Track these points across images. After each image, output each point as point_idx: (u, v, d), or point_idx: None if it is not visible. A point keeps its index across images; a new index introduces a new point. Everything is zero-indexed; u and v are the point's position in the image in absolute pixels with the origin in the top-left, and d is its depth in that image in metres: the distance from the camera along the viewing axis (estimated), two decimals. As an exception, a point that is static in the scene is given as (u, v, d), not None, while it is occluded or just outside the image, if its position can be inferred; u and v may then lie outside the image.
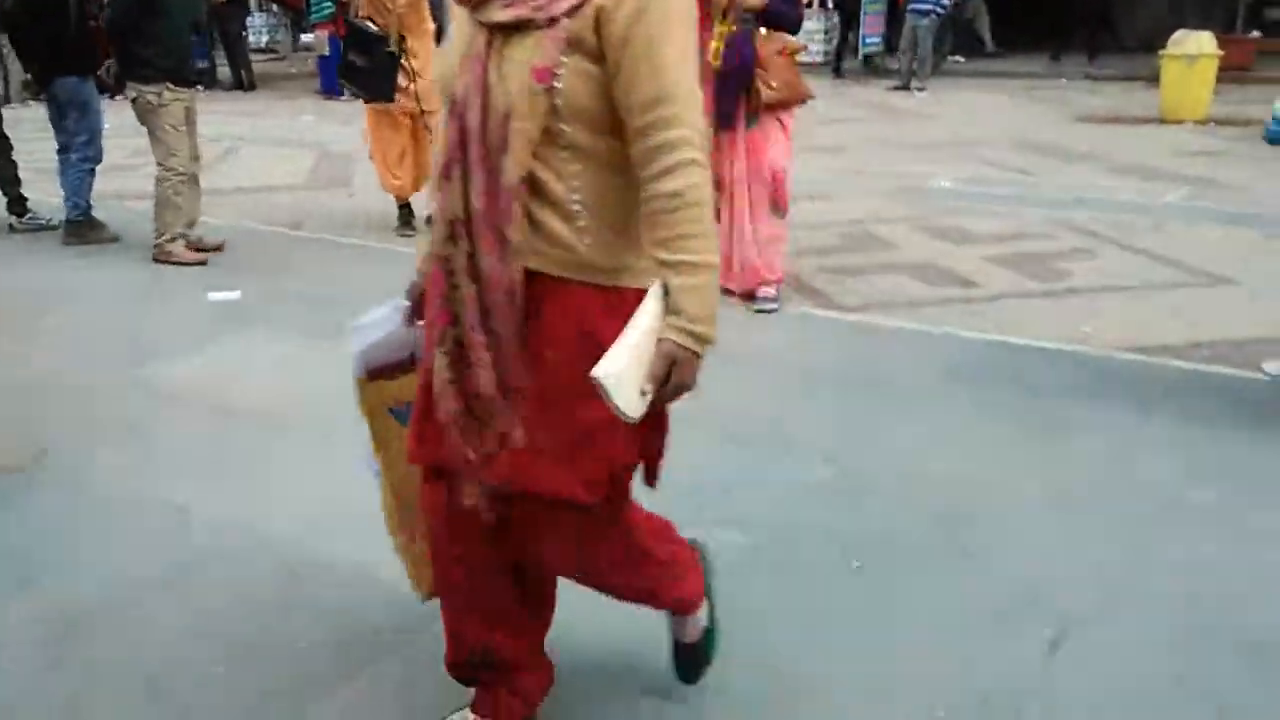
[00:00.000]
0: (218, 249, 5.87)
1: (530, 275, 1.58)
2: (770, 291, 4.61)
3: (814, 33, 15.17)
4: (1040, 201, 6.73)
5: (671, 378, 1.50)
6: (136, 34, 5.35)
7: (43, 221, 6.44)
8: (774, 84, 4.32)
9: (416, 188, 6.24)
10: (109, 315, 4.78)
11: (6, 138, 6.45)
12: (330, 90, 12.51)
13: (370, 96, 6.01)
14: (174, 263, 5.58)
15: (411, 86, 5.93)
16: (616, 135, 1.55)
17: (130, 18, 5.34)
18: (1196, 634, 2.34)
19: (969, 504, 2.92)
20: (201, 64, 14.58)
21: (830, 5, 15.24)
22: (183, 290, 5.14)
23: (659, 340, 1.50)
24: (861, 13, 14.18)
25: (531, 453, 1.61)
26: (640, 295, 1.54)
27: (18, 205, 6.46)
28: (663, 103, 1.49)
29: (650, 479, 1.81)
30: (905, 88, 13.06)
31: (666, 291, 1.52)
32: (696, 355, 1.52)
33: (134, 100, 5.54)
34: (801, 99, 4.50)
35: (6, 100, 12.37)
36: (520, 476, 1.63)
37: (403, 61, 5.89)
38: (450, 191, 1.59)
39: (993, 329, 4.37)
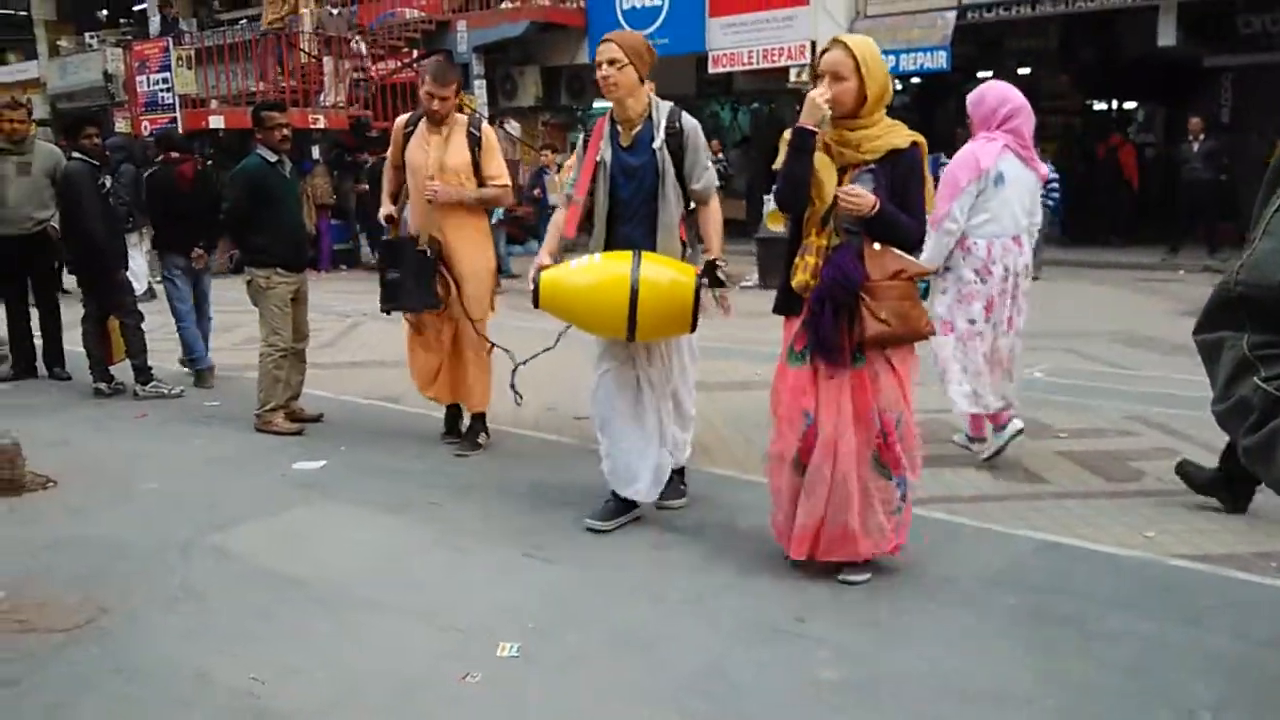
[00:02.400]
0: (316, 419, 6.22)
1: None
2: (860, 577, 3.68)
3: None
4: (1129, 397, 6.56)
5: None
6: (250, 223, 5.95)
7: (164, 390, 6.96)
8: (882, 314, 3.39)
9: (454, 396, 5.67)
10: (198, 480, 5.10)
11: (139, 312, 7.12)
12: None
13: (415, 307, 5.39)
14: (273, 432, 5.94)
15: (452, 296, 5.34)
16: None
17: (244, 209, 5.95)
18: None
19: None
20: (346, 245, 15.83)
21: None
22: (272, 458, 5.45)
23: None
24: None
25: None
26: None
27: (142, 374, 7.02)
28: None
29: None
30: (1017, 276, 13.05)
31: None
32: None
33: (248, 282, 6.09)
34: (917, 336, 3.54)
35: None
36: None
37: (439, 268, 5.29)
38: None
39: (1052, 529, 4.25)
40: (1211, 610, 3.46)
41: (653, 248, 4.05)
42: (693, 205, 4.28)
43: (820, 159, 3.51)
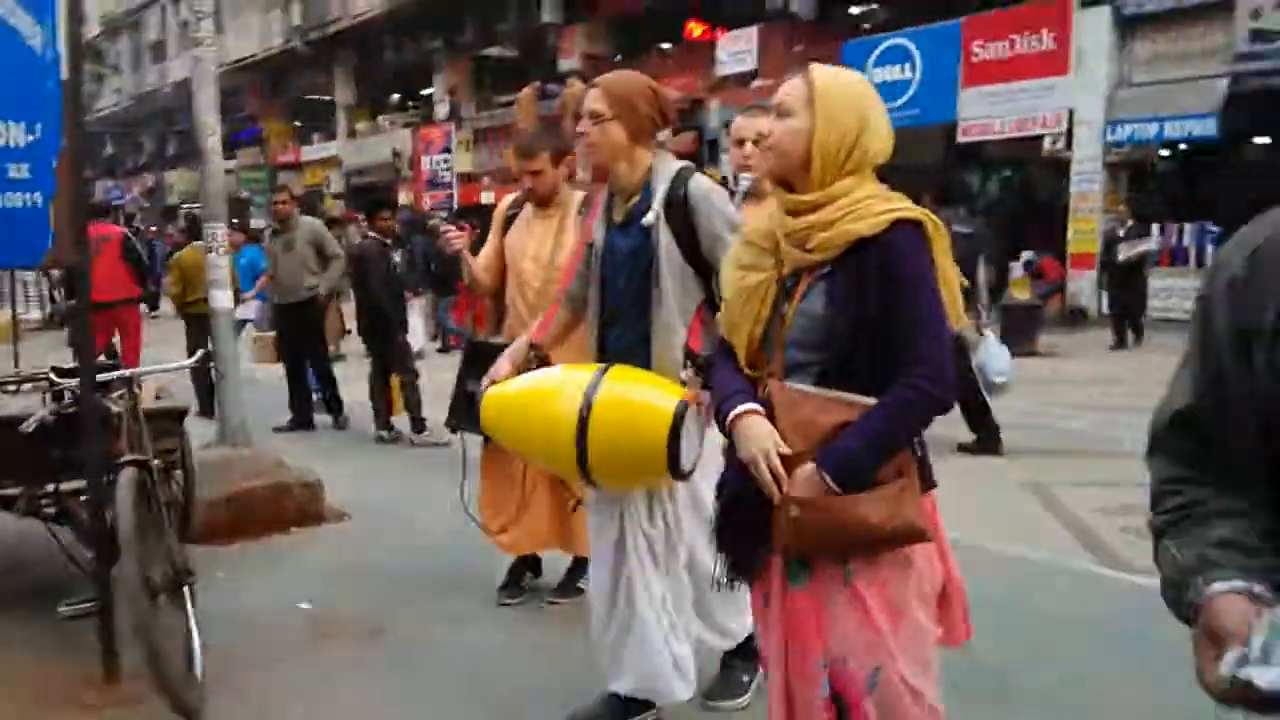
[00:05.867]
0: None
1: None
2: None
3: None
4: None
5: None
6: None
7: (435, 440, 7.71)
8: (792, 510, 2.07)
9: (550, 543, 4.29)
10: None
11: (416, 370, 8.03)
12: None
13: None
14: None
15: None
16: None
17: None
18: None
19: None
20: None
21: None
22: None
23: None
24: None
25: None
26: None
27: (418, 425, 7.91)
28: None
29: None
30: None
31: None
32: None
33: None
34: (874, 539, 2.05)
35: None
36: None
37: None
38: None
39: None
40: None
41: (646, 357, 2.99)
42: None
43: (740, 278, 2.26)
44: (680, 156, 3.37)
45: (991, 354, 6.99)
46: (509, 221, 4.28)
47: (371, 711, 3.48)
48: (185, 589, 3.68)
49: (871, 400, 2.06)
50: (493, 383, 3.09)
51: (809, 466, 2.05)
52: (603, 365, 2.91)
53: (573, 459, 2.79)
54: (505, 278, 4.26)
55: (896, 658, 2.08)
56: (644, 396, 2.82)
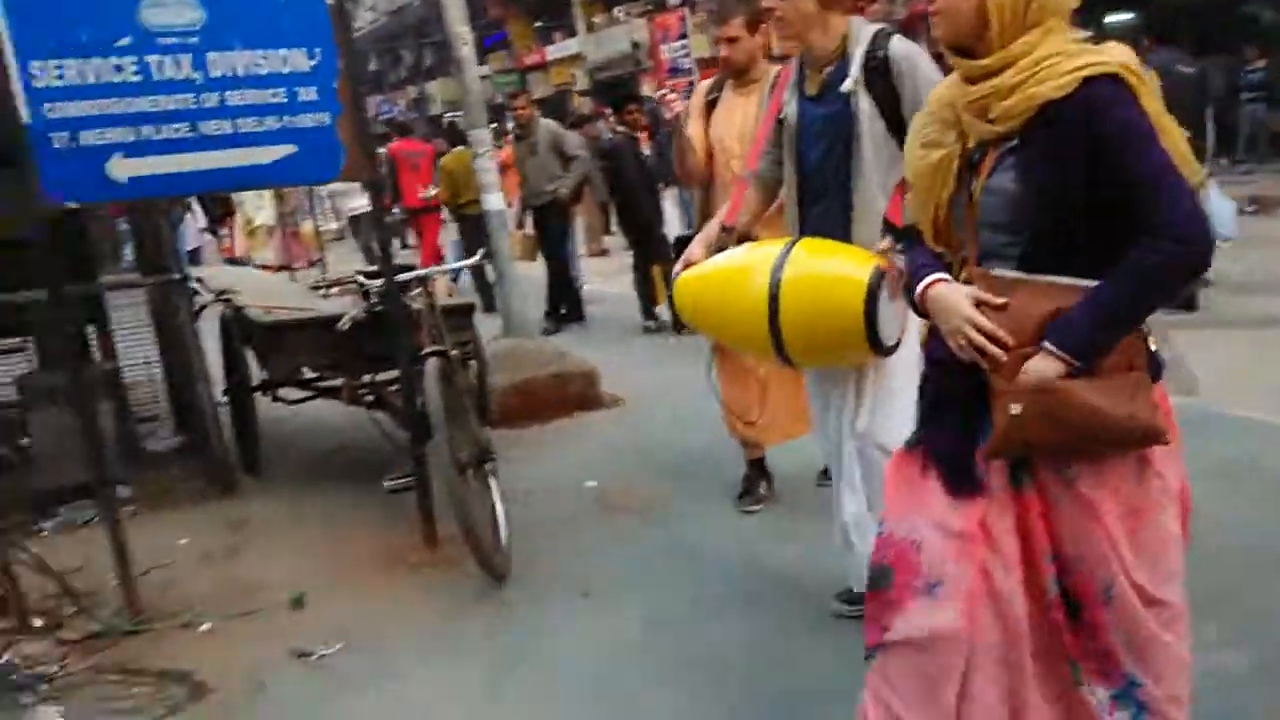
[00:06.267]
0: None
1: None
2: None
3: None
4: None
5: None
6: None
7: (698, 327, 8.02)
8: (1012, 407, 1.86)
9: (782, 434, 4.23)
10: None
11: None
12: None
13: None
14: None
15: None
16: None
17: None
18: None
19: None
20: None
21: None
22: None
23: None
24: None
25: None
26: None
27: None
28: None
29: None
30: None
31: None
32: None
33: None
34: (1101, 437, 1.86)
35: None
36: None
37: None
38: None
39: None
40: None
41: (846, 235, 2.88)
42: None
43: (922, 156, 2.04)
44: (918, 17, 3.14)
45: (1215, 209, 6.39)
46: (710, 107, 4.13)
47: (651, 578, 3.77)
48: (488, 466, 4.10)
49: (1092, 283, 1.83)
50: (687, 267, 3.04)
51: (1035, 359, 1.84)
52: (790, 239, 2.79)
53: (767, 338, 2.67)
54: (714, 164, 4.09)
55: (1133, 569, 1.91)
56: (835, 268, 2.68)
